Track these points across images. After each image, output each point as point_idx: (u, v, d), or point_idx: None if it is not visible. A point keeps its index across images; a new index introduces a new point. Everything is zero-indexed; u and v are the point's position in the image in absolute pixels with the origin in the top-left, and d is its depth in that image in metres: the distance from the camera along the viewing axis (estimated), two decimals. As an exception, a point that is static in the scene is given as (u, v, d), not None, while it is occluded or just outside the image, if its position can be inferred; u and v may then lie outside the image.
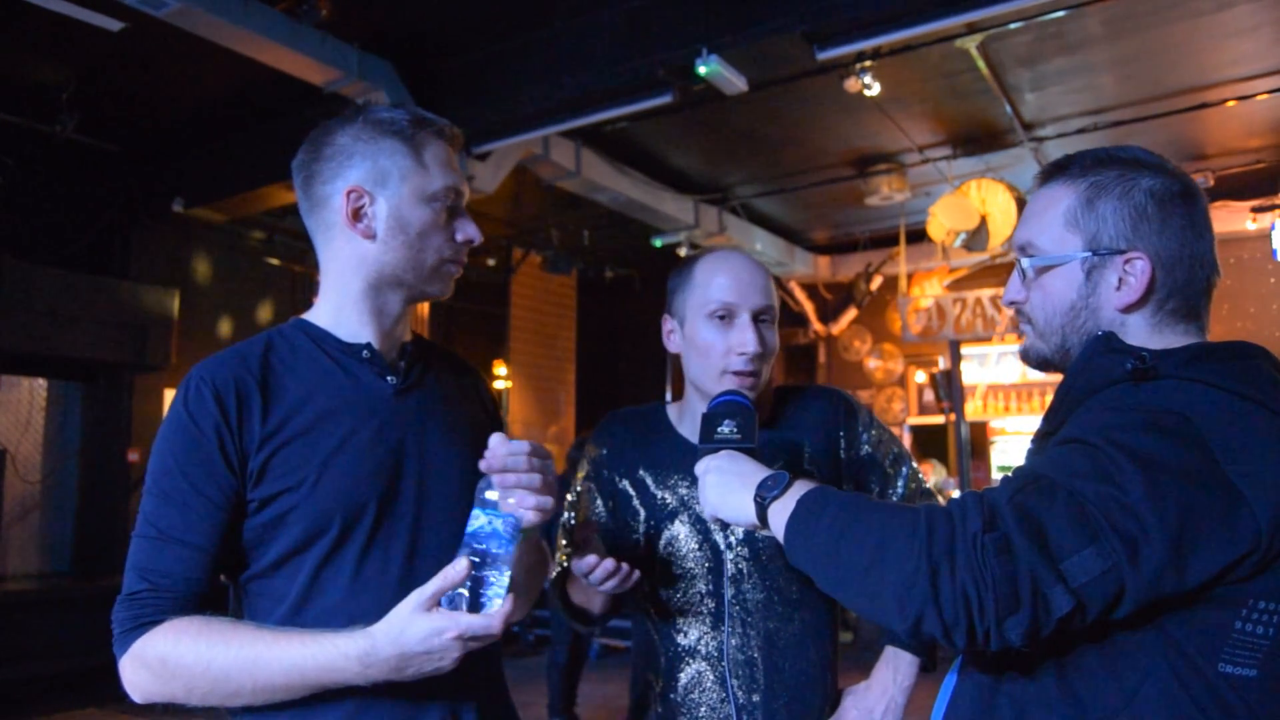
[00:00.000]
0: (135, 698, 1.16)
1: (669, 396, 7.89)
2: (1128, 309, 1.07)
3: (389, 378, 1.30)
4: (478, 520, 1.15)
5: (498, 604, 1.12)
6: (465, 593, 1.11)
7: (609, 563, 1.35)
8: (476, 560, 1.13)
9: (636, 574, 1.40)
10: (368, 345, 1.29)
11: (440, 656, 1.09)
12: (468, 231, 1.32)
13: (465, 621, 1.08)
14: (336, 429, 1.22)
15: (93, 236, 6.75)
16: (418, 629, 1.08)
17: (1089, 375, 1.05)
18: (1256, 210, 7.30)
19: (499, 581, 1.13)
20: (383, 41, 5.06)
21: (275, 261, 7.75)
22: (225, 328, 7.46)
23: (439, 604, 1.09)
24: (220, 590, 1.22)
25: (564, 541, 1.68)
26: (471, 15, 5.02)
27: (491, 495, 1.16)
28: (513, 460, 1.16)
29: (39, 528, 6.64)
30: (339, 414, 1.24)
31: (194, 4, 4.07)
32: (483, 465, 1.17)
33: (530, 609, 1.44)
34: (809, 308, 9.94)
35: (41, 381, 6.72)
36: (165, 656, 1.12)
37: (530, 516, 1.17)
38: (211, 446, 1.18)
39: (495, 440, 1.18)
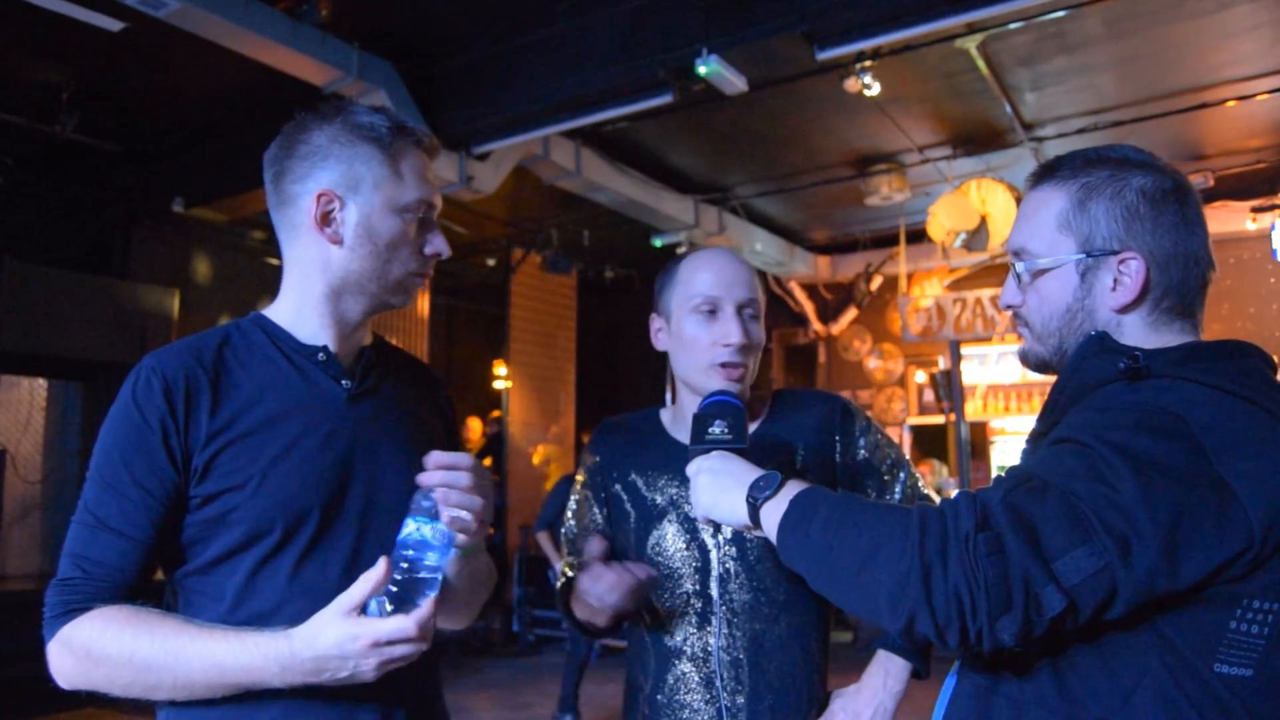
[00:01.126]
0: (60, 683, 1.16)
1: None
2: (1124, 309, 1.07)
3: (344, 382, 1.28)
4: (409, 528, 1.14)
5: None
6: (390, 605, 1.10)
7: (611, 576, 1.39)
8: (405, 567, 1.12)
9: (648, 575, 1.41)
10: (324, 348, 1.28)
11: (356, 663, 1.08)
12: (436, 245, 1.30)
13: (377, 626, 1.07)
14: (285, 431, 1.21)
15: (93, 236, 6.75)
16: (333, 634, 1.07)
17: (1082, 375, 1.05)
18: (1256, 210, 7.29)
19: (429, 593, 1.12)
20: (383, 41, 5.06)
21: (275, 261, 7.68)
22: (225, 328, 7.46)
23: (363, 612, 1.09)
24: (155, 583, 1.21)
25: (566, 551, 1.70)
26: (471, 15, 5.02)
27: (427, 504, 1.15)
28: (452, 476, 1.14)
29: (39, 528, 6.64)
30: (289, 416, 1.22)
31: (194, 4, 4.07)
32: (420, 479, 1.15)
33: (472, 620, 1.44)
34: (809, 308, 9.94)
35: (41, 381, 6.72)
36: (90, 644, 1.11)
37: (462, 538, 1.17)
38: (155, 439, 1.16)
39: (434, 458, 1.17)
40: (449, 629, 1.39)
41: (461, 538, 1.18)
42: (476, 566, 1.34)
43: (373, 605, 1.10)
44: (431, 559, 1.13)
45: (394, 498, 1.22)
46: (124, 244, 6.85)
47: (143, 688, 1.11)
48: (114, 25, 4.43)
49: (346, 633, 1.07)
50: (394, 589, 1.11)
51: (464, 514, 1.15)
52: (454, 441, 1.48)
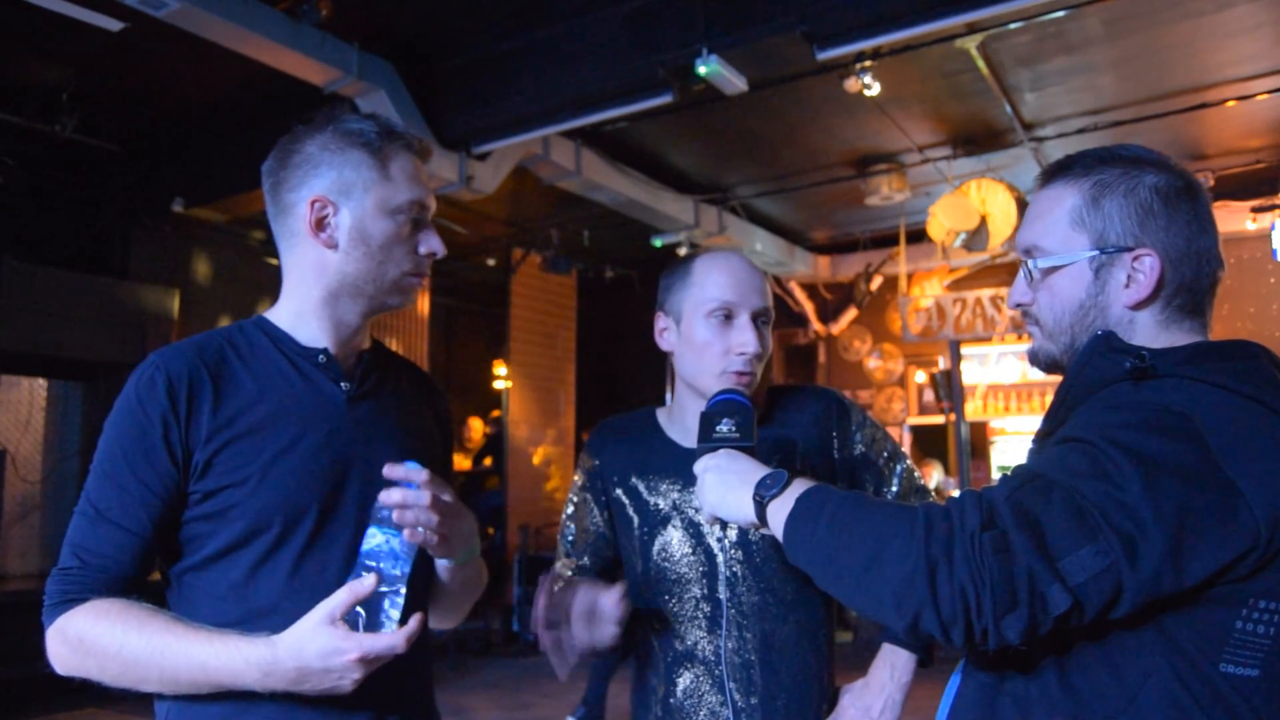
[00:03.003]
0: (56, 669, 1.20)
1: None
2: (1137, 306, 1.07)
3: (343, 384, 1.31)
4: (374, 539, 1.16)
5: (394, 624, 1.13)
6: (362, 612, 1.12)
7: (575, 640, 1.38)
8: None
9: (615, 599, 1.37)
10: (324, 350, 1.30)
11: (340, 675, 1.10)
12: (431, 244, 1.33)
13: (368, 644, 1.09)
14: (285, 430, 1.23)
15: (93, 236, 6.74)
16: (319, 644, 1.08)
17: (1088, 375, 1.05)
18: (1256, 210, 7.29)
19: (396, 601, 1.14)
20: (383, 41, 5.06)
21: (275, 261, 7.66)
22: (225, 328, 7.46)
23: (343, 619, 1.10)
24: (155, 582, 1.23)
25: (564, 553, 1.68)
26: (472, 15, 5.02)
27: (386, 514, 1.17)
28: (411, 495, 1.16)
29: (39, 528, 6.63)
30: (289, 416, 1.25)
31: (194, 4, 4.07)
32: (380, 496, 1.16)
33: (461, 621, 1.47)
34: (809, 308, 9.93)
35: (41, 381, 6.71)
36: (83, 635, 1.14)
37: (435, 552, 1.21)
38: (156, 435, 1.19)
39: (398, 471, 1.17)
40: (438, 629, 1.42)
41: (437, 547, 1.21)
42: (469, 572, 1.36)
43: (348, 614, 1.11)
44: (395, 568, 1.15)
45: None
46: (124, 244, 6.84)
47: (131, 680, 1.15)
48: (114, 25, 4.43)
49: (332, 646, 1.08)
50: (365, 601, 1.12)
51: (423, 531, 1.17)
52: (448, 454, 1.50)
